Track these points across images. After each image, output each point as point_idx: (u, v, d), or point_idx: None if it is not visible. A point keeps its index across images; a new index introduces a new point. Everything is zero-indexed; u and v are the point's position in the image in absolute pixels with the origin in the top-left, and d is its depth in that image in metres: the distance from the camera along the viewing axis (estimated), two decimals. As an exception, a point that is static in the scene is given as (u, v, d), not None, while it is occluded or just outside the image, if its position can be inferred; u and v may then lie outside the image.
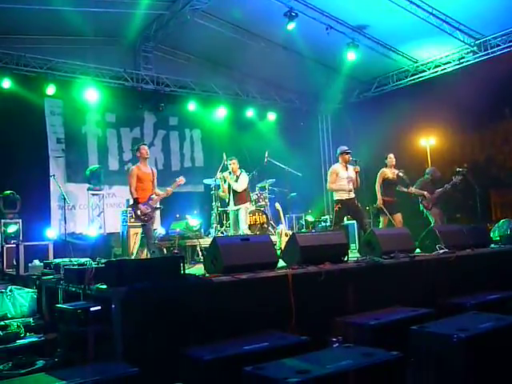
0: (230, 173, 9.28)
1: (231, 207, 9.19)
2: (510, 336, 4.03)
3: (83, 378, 3.21)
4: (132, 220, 10.17)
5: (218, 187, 9.96)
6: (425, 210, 9.90)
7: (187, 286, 4.34)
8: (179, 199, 10.56)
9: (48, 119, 11.72)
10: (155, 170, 8.15)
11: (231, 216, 9.27)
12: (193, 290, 4.31)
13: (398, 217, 9.19)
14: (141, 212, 7.51)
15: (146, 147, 8.02)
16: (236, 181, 9.15)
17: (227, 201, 9.38)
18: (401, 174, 9.51)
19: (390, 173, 9.43)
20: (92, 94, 11.57)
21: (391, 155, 9.56)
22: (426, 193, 9.80)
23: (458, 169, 10.06)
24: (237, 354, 3.67)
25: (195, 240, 9.53)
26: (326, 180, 9.15)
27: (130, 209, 8.51)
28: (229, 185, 9.23)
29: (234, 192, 9.12)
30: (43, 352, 4.87)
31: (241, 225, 8.99)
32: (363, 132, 12.88)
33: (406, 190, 9.60)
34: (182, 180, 8.02)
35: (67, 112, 11.91)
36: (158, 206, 7.84)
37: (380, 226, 9.19)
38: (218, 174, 9.37)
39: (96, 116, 12.38)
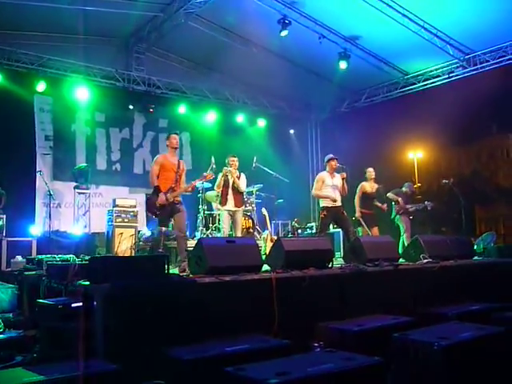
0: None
1: (228, 207, 8.30)
2: (490, 345, 4.07)
3: (62, 374, 3.17)
4: (118, 220, 10.17)
5: (204, 190, 9.94)
6: (396, 216, 10.24)
7: (170, 285, 4.33)
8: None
9: (37, 116, 11.68)
10: (184, 165, 7.41)
11: (225, 217, 8.31)
12: (176, 289, 4.29)
13: (375, 230, 9.51)
14: (158, 202, 6.82)
15: (177, 137, 7.36)
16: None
17: (220, 200, 8.43)
18: (380, 190, 9.91)
19: (368, 187, 9.73)
20: (82, 93, 11.55)
21: (370, 169, 9.85)
22: (400, 199, 10.17)
23: (444, 181, 10.20)
24: (217, 355, 3.65)
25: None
26: (312, 188, 9.16)
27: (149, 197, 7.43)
28: (226, 182, 8.37)
29: (236, 191, 8.36)
30: (22, 348, 4.80)
31: (238, 229, 8.36)
32: (352, 142, 12.94)
33: (380, 205, 9.85)
34: (210, 175, 7.63)
35: (57, 109, 11.87)
36: (178, 200, 7.05)
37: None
38: (225, 169, 8.40)
39: (85, 115, 12.35)
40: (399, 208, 10.22)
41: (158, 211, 6.90)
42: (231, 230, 8.45)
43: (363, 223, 9.37)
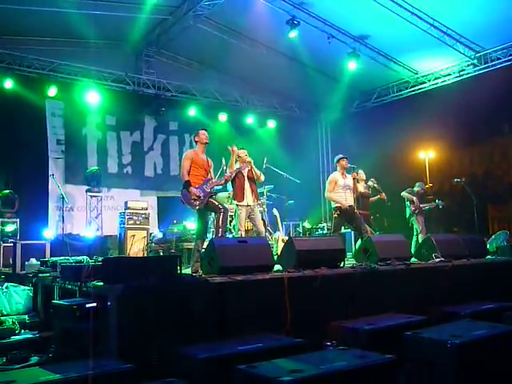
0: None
1: (248, 202, 7.66)
2: (503, 343, 4.05)
3: (77, 373, 3.21)
4: (130, 222, 10.24)
5: (215, 192, 9.95)
6: (411, 217, 10.30)
7: (183, 285, 4.35)
8: (177, 204, 10.54)
9: (49, 120, 11.78)
10: (211, 162, 7.19)
11: (243, 214, 7.70)
12: (188, 289, 4.31)
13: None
14: (192, 194, 6.57)
15: (206, 132, 7.11)
16: None
17: (234, 195, 7.88)
18: (371, 184, 9.98)
19: (361, 187, 9.58)
20: (93, 97, 11.63)
21: (361, 171, 9.72)
22: (415, 198, 10.28)
23: (455, 180, 10.18)
24: (230, 354, 3.67)
25: (193, 242, 9.51)
26: (324, 188, 9.15)
27: (183, 191, 6.81)
28: (241, 175, 7.78)
29: (252, 184, 7.79)
30: (38, 349, 4.86)
31: (259, 223, 7.75)
32: (362, 142, 12.93)
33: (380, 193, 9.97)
34: (245, 166, 7.45)
35: (68, 114, 11.97)
36: (213, 191, 6.86)
37: None
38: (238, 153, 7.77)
39: (96, 118, 12.44)
40: (415, 208, 10.28)
41: (197, 201, 6.63)
42: (248, 229, 8.23)
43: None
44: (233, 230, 9.91)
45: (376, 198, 10.04)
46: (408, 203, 10.43)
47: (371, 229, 9.36)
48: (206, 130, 7.25)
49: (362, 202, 9.50)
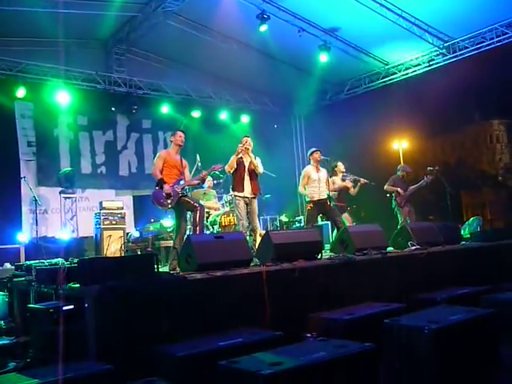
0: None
1: (246, 194, 7.57)
2: (479, 327, 4.13)
3: (55, 377, 3.17)
4: (106, 223, 10.14)
5: (191, 188, 9.89)
6: (396, 208, 10.14)
7: (161, 283, 4.33)
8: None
9: (18, 122, 11.56)
10: (186, 163, 7.23)
11: (242, 205, 7.56)
12: (166, 287, 4.29)
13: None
14: (165, 191, 6.66)
15: (183, 134, 7.15)
16: None
17: (233, 186, 7.75)
18: (350, 176, 9.77)
19: (338, 180, 9.59)
20: (63, 97, 11.45)
21: (340, 163, 9.72)
22: (399, 189, 10.07)
23: (429, 168, 10.28)
24: (211, 350, 3.67)
25: (170, 241, 9.47)
26: (299, 181, 9.17)
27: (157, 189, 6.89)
28: (241, 165, 7.69)
29: (252, 176, 7.67)
30: (15, 354, 4.78)
31: (254, 220, 7.62)
32: (336, 134, 13.00)
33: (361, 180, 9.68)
34: (219, 167, 7.41)
35: (38, 115, 11.76)
36: (185, 193, 6.91)
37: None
38: (239, 148, 7.72)
39: (68, 119, 12.26)
40: (400, 200, 10.06)
41: (169, 201, 6.71)
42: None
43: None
44: (210, 227, 9.90)
45: (357, 187, 9.75)
46: (393, 195, 10.16)
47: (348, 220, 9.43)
48: (183, 132, 7.27)
49: (339, 195, 9.55)
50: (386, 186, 10.16)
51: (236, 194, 7.63)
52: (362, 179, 9.72)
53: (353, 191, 9.69)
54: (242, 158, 7.69)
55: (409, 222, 9.72)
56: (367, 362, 3.39)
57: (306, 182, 8.39)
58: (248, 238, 7.27)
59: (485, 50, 11.38)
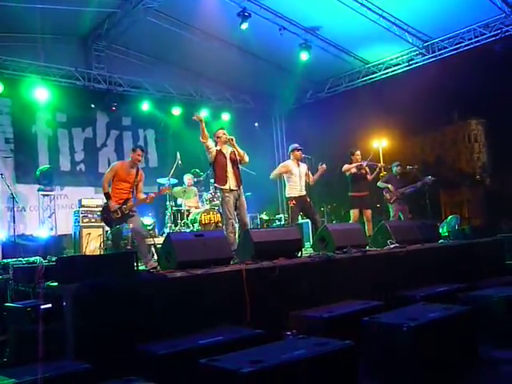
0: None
1: (233, 185, 7.12)
2: (457, 323, 4.18)
3: (33, 376, 3.14)
4: (85, 220, 10.04)
5: (171, 186, 9.85)
6: (388, 204, 10.15)
7: (140, 281, 4.30)
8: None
9: (-5, 118, 11.39)
10: (143, 175, 7.12)
11: (232, 199, 7.09)
12: (146, 285, 4.26)
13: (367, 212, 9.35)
14: (110, 207, 6.69)
15: (142, 153, 7.01)
16: None
17: (215, 179, 7.43)
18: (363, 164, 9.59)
19: (354, 169, 9.46)
20: (42, 93, 11.31)
21: (358, 152, 9.56)
22: (390, 186, 10.04)
23: (408, 167, 10.36)
24: (191, 348, 3.66)
25: (149, 239, 9.41)
26: (280, 180, 9.17)
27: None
28: (222, 156, 7.25)
29: (235, 167, 7.27)
30: (-9, 354, 4.71)
31: (244, 214, 7.23)
32: (317, 132, 13.04)
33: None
34: (167, 189, 7.67)
35: (16, 111, 11.59)
36: (132, 213, 6.80)
37: (351, 220, 9.29)
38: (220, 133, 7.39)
39: (46, 115, 12.10)
40: (390, 196, 10.04)
41: (111, 218, 6.77)
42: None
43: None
44: (190, 225, 9.87)
45: (375, 173, 9.65)
46: (384, 192, 10.14)
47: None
48: (143, 150, 7.15)
49: (355, 184, 9.42)
50: (379, 183, 10.14)
51: (222, 187, 7.09)
52: (378, 164, 9.67)
53: (369, 177, 9.59)
54: (220, 149, 7.28)
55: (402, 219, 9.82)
56: (346, 359, 3.42)
57: (282, 172, 8.41)
58: (237, 235, 7.16)
59: (463, 51, 11.53)
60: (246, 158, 7.41)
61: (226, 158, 7.24)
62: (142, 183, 7.09)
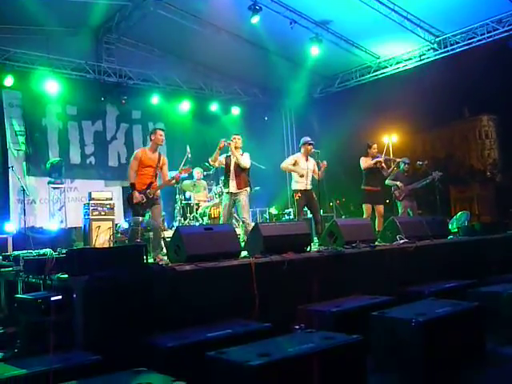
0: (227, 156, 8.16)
1: (230, 189, 7.88)
2: (465, 319, 4.17)
3: (43, 367, 3.17)
4: (95, 213, 10.09)
5: (181, 180, 9.87)
6: (397, 201, 10.05)
7: (150, 274, 4.32)
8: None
9: (6, 111, 11.41)
10: (165, 159, 7.29)
11: (226, 201, 7.93)
12: (155, 278, 4.28)
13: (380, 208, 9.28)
14: (134, 201, 6.80)
15: (163, 133, 7.20)
16: None
17: (226, 184, 8.05)
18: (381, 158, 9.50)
19: (369, 160, 9.41)
20: (52, 86, 11.34)
21: (375, 145, 9.52)
22: (399, 183, 9.91)
23: (418, 162, 10.30)
24: (199, 341, 3.69)
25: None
26: (289, 173, 9.16)
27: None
28: (228, 163, 8.02)
29: (238, 171, 7.87)
30: (3, 345, 4.75)
31: (242, 213, 7.83)
32: (326, 127, 13.02)
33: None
34: (189, 169, 7.78)
35: (26, 104, 11.62)
36: (157, 194, 7.00)
37: (364, 215, 9.23)
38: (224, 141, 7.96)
39: (56, 108, 12.13)
40: (399, 193, 9.91)
41: (139, 208, 6.88)
42: (230, 216, 8.24)
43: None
44: (199, 219, 9.90)
45: (393, 167, 9.58)
46: (393, 189, 10.01)
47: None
48: (163, 130, 7.30)
49: (369, 178, 9.33)
50: (387, 181, 9.95)
51: (224, 190, 8.14)
52: (396, 159, 9.54)
53: (386, 173, 9.53)
54: (230, 156, 8.00)
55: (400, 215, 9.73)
56: (355, 353, 3.42)
57: (288, 164, 8.46)
58: (240, 229, 7.36)
59: (476, 46, 11.43)
60: (242, 163, 7.90)
61: (230, 163, 7.98)
62: (166, 167, 7.20)
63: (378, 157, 9.42)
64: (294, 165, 8.40)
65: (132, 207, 7.03)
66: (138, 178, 6.95)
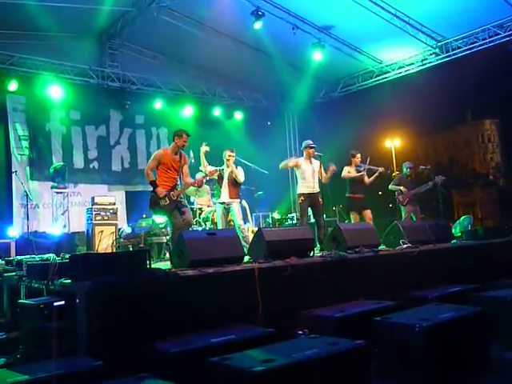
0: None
1: (223, 199, 8.17)
2: (468, 324, 4.16)
3: (46, 373, 3.17)
4: (98, 218, 10.09)
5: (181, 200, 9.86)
6: (400, 206, 10.02)
7: (153, 279, 4.32)
8: (145, 199, 10.46)
9: (10, 116, 11.47)
10: (186, 157, 7.25)
11: (219, 210, 8.27)
12: (158, 283, 4.28)
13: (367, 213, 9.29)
14: (160, 194, 6.64)
15: (187, 139, 7.05)
16: None
17: (219, 195, 8.36)
18: (364, 166, 9.55)
19: (352, 170, 9.47)
20: (56, 91, 11.40)
21: (358, 154, 9.57)
22: (402, 187, 9.90)
23: (421, 167, 10.29)
24: (203, 347, 3.67)
25: (162, 237, 9.45)
26: (292, 178, 9.20)
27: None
28: (221, 175, 8.33)
29: (232, 184, 8.18)
30: (5, 350, 4.75)
31: (237, 220, 8.09)
32: (329, 131, 13.02)
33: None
34: (216, 172, 7.88)
35: (30, 109, 11.69)
36: (180, 199, 6.87)
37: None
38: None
39: (60, 113, 12.19)
40: (403, 198, 9.89)
41: (161, 207, 6.69)
42: (226, 225, 8.28)
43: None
44: (203, 223, 9.89)
45: (374, 176, 9.52)
46: (396, 194, 9.99)
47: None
48: (189, 135, 7.16)
49: (353, 186, 9.36)
50: (390, 186, 10.00)
51: (216, 200, 8.58)
52: (378, 169, 9.54)
53: (367, 181, 9.50)
54: (223, 169, 8.25)
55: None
56: (358, 359, 3.41)
57: (291, 164, 8.60)
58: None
59: (477, 51, 11.44)
60: (240, 179, 8.18)
61: (223, 176, 8.25)
62: (186, 166, 7.13)
63: (360, 166, 9.48)
64: (296, 166, 8.41)
65: (154, 210, 6.91)
66: (160, 181, 6.78)
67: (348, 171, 9.42)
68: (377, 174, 9.50)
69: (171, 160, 6.89)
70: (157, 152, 7.18)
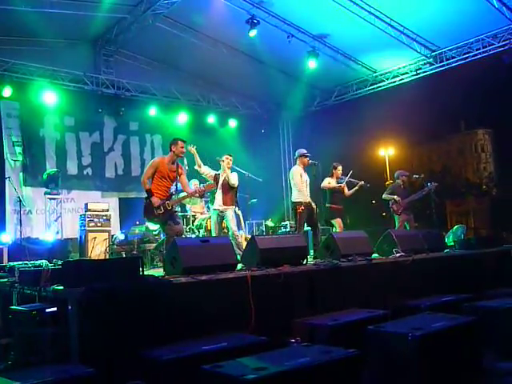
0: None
1: (217, 206, 8.15)
2: (461, 334, 4.16)
3: (37, 379, 3.14)
4: (91, 224, 10.06)
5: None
6: (394, 215, 10.04)
7: (145, 286, 4.30)
8: (138, 205, 10.44)
9: (4, 121, 11.45)
10: (183, 167, 7.29)
11: (214, 218, 8.24)
12: (151, 290, 4.26)
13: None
14: (154, 203, 6.62)
15: (185, 145, 7.12)
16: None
17: (213, 200, 8.39)
18: (345, 178, 9.73)
19: (333, 182, 9.59)
20: (50, 97, 11.39)
21: (340, 167, 9.68)
22: (396, 197, 9.90)
23: (415, 176, 10.32)
24: (195, 354, 3.65)
25: (155, 243, 9.42)
26: (286, 186, 9.22)
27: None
28: (216, 180, 8.28)
29: (226, 189, 8.12)
30: (-4, 357, 4.72)
31: (231, 226, 8.03)
32: (323, 140, 13.05)
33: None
34: (213, 186, 7.75)
35: (24, 115, 11.68)
36: (175, 209, 6.94)
37: (337, 229, 9.28)
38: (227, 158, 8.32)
39: (54, 119, 12.18)
40: (397, 207, 9.88)
41: (156, 216, 6.71)
42: (221, 232, 8.29)
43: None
44: (196, 231, 9.88)
45: (354, 189, 9.65)
46: (390, 203, 9.99)
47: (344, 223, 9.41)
48: (185, 142, 7.19)
49: (334, 197, 9.45)
50: (384, 195, 10.03)
51: (210, 206, 8.67)
52: (359, 182, 9.64)
53: (347, 193, 9.58)
54: (219, 174, 8.22)
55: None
56: (351, 368, 3.40)
57: (299, 179, 8.42)
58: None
59: (471, 60, 11.53)
60: (231, 182, 8.09)
61: (218, 181, 8.19)
62: (184, 176, 7.11)
63: (341, 178, 9.60)
64: (300, 179, 8.41)
65: (148, 219, 6.93)
66: (155, 190, 6.76)
67: (328, 182, 9.52)
68: (357, 187, 9.64)
69: (167, 169, 6.88)
70: (154, 160, 7.20)
